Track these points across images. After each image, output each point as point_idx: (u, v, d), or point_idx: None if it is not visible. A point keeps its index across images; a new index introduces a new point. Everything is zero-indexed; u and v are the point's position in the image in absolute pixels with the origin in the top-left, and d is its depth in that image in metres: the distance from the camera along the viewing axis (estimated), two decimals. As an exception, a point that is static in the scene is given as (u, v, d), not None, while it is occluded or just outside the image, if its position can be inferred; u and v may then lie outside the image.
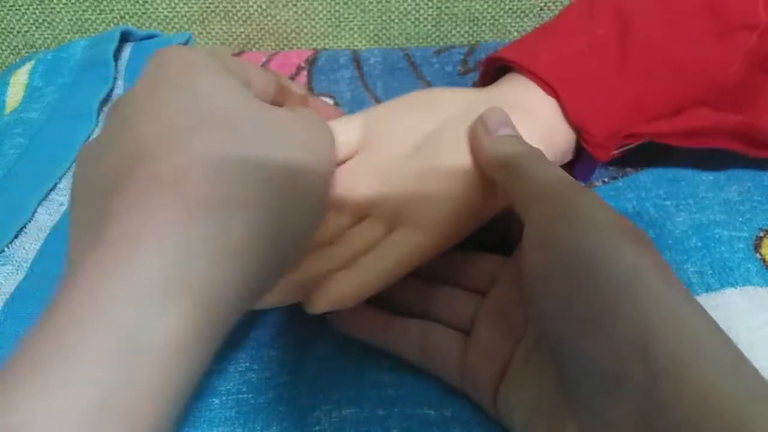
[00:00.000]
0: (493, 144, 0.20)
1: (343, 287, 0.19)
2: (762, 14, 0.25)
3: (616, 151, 0.25)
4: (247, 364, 0.21)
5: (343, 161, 0.25)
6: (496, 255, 0.22)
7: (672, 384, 0.12)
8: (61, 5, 0.38)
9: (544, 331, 0.16)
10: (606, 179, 0.28)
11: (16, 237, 0.25)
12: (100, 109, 0.31)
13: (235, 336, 0.20)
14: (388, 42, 0.41)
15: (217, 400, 0.20)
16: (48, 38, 0.39)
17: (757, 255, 0.24)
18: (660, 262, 0.15)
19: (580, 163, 0.26)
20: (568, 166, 0.27)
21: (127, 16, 0.39)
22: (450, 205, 0.20)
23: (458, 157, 0.21)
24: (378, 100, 0.33)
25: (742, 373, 0.13)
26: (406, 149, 0.23)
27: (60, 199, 0.27)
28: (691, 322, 0.13)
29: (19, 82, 0.33)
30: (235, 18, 0.40)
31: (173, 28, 0.40)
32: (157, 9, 0.39)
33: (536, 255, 0.16)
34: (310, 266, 0.19)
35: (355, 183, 0.22)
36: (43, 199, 0.26)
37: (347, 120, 0.25)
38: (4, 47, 0.40)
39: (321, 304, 0.19)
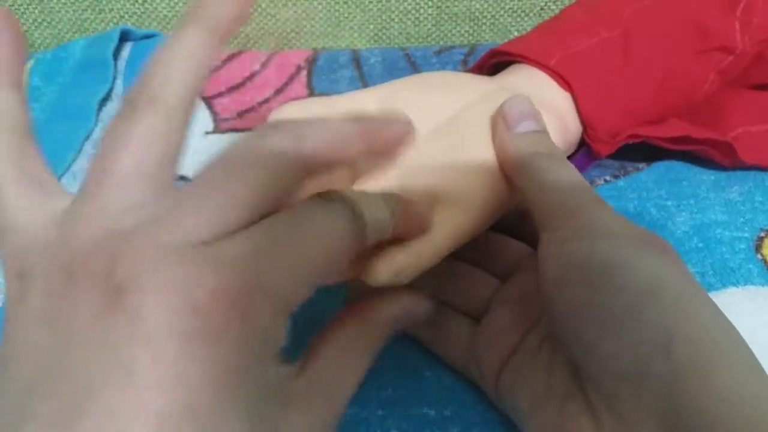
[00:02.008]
0: (513, 141, 0.19)
1: (401, 260, 0.17)
2: (739, 41, 0.26)
3: (616, 147, 0.26)
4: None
5: None
6: (521, 242, 0.22)
7: (695, 383, 0.12)
8: (61, 5, 0.38)
9: (560, 333, 0.16)
10: (608, 178, 0.28)
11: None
12: (99, 109, 0.31)
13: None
14: (388, 42, 0.41)
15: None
16: (47, 38, 0.39)
17: (758, 256, 0.24)
18: (684, 271, 0.15)
19: (578, 155, 0.27)
20: (568, 158, 0.27)
21: (126, 16, 0.39)
22: (485, 184, 0.20)
23: (484, 139, 0.21)
24: (378, 100, 0.33)
25: (762, 375, 0.13)
26: (425, 130, 0.22)
27: (59, 198, 0.27)
28: (713, 326, 0.14)
29: (18, 81, 0.33)
30: (235, 17, 0.40)
31: (172, 27, 0.40)
32: (156, 8, 0.39)
33: (553, 265, 0.16)
34: None
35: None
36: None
37: (361, 94, 0.24)
38: (3, 47, 0.40)
39: (383, 275, 0.17)
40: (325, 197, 0.15)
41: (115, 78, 0.32)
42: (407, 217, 0.17)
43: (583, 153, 0.26)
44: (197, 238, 0.12)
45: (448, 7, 0.40)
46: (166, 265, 0.12)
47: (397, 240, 0.17)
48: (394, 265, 0.17)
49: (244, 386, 0.12)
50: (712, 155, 0.27)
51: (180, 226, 0.12)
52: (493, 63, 0.28)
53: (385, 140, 0.16)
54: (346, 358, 0.16)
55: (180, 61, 0.14)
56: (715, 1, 0.27)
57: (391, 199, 0.17)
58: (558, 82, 0.25)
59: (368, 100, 0.24)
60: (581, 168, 0.27)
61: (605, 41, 0.26)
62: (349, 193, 0.16)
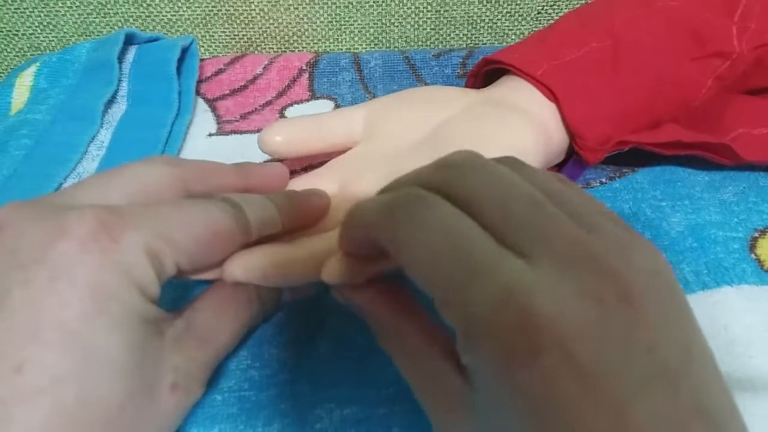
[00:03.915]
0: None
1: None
2: (736, 45, 0.26)
3: (605, 155, 0.26)
4: (249, 362, 0.21)
5: (346, 150, 0.25)
6: None
7: None
8: (66, 8, 0.39)
9: None
10: (603, 180, 0.28)
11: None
12: (104, 111, 0.31)
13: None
14: (387, 45, 0.42)
15: (219, 397, 0.20)
16: (53, 41, 0.40)
17: (752, 255, 0.24)
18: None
19: (569, 164, 0.27)
20: (558, 167, 0.27)
21: (131, 19, 0.39)
22: None
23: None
24: (378, 102, 0.33)
25: None
26: (410, 142, 0.23)
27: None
28: None
29: (24, 83, 0.33)
30: (238, 21, 0.40)
31: (176, 31, 0.40)
32: (160, 12, 0.39)
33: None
34: (324, 248, 0.19)
35: (362, 171, 0.22)
36: (48, 199, 0.27)
37: (350, 110, 0.26)
38: (9, 50, 0.40)
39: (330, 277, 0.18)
40: (212, 197, 0.19)
41: (120, 80, 0.33)
42: (299, 211, 0.21)
43: (574, 162, 0.27)
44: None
45: (446, 11, 0.40)
46: (60, 214, 0.16)
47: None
48: (344, 263, 0.18)
49: (113, 305, 0.15)
50: (711, 157, 0.27)
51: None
52: (489, 70, 0.28)
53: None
54: (217, 314, 0.19)
55: None
56: (711, 6, 0.27)
57: (277, 197, 0.20)
58: (544, 93, 0.25)
59: (355, 117, 0.25)
60: (573, 177, 0.27)
61: (594, 51, 0.26)
62: (233, 195, 0.19)
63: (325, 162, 0.25)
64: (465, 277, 0.13)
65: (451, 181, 0.15)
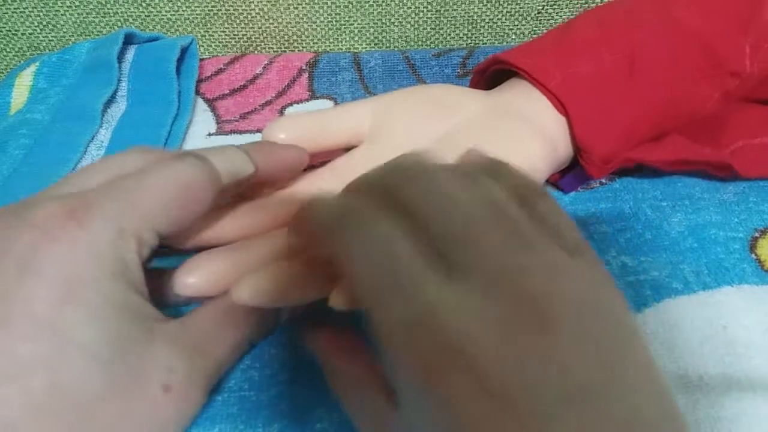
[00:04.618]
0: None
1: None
2: (747, 65, 0.26)
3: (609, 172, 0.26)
4: (249, 362, 0.21)
5: (352, 146, 0.25)
6: None
7: None
8: (66, 8, 0.38)
9: None
10: (603, 180, 0.28)
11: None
12: (103, 111, 0.31)
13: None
14: (387, 45, 0.42)
15: (219, 397, 0.20)
16: (52, 40, 0.40)
17: (753, 255, 0.24)
18: None
19: (569, 176, 0.27)
20: (560, 173, 0.27)
21: (130, 19, 0.39)
22: None
23: None
24: (378, 102, 0.33)
25: None
26: (420, 146, 0.23)
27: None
28: None
29: (23, 83, 0.33)
30: (238, 21, 0.40)
31: (176, 30, 0.40)
32: (160, 12, 0.39)
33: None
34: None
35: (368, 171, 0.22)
36: (48, 199, 0.27)
37: (356, 106, 0.25)
38: (8, 49, 0.40)
39: (339, 301, 0.18)
40: (178, 155, 0.19)
41: (119, 80, 0.33)
42: (273, 156, 0.21)
43: (576, 173, 0.27)
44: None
45: (446, 10, 0.40)
46: (25, 208, 0.16)
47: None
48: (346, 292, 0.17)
49: (86, 292, 0.15)
50: (711, 172, 0.27)
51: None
52: (497, 69, 0.28)
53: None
54: (216, 324, 0.19)
55: None
56: (726, 24, 0.26)
57: (247, 144, 0.20)
58: (555, 105, 0.25)
59: (362, 114, 0.25)
60: (572, 187, 0.27)
61: (609, 64, 0.25)
62: (200, 150, 0.19)
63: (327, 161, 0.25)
64: (389, 295, 0.14)
65: (396, 187, 0.16)
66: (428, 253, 0.14)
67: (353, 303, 0.17)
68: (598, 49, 0.26)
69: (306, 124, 0.24)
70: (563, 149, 0.25)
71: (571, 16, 0.35)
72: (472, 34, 0.42)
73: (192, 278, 0.19)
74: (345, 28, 0.41)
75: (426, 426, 0.13)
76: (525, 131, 0.24)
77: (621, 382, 0.13)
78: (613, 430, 0.12)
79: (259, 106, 0.33)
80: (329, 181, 0.24)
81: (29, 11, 0.38)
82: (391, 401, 0.15)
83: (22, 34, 0.39)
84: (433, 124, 0.24)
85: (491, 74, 0.29)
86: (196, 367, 0.18)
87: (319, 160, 0.25)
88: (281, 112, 0.33)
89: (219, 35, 0.41)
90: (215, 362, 0.19)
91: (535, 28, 0.42)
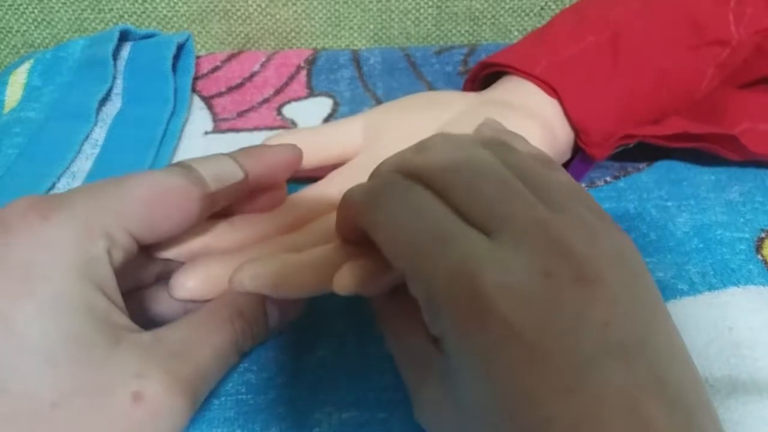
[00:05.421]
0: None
1: (361, 268, 0.18)
2: (734, 32, 0.26)
3: (612, 151, 0.26)
4: (246, 365, 0.21)
5: (346, 161, 0.25)
6: None
7: None
8: (60, 4, 0.38)
9: None
10: (608, 179, 0.28)
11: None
12: (98, 109, 0.31)
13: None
14: (388, 41, 0.41)
15: (216, 401, 0.20)
16: (47, 37, 0.39)
17: (759, 256, 0.24)
18: None
19: (575, 161, 0.27)
20: (564, 166, 0.27)
21: (126, 15, 0.39)
22: None
23: None
24: (378, 100, 0.33)
25: None
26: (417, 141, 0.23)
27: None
28: None
29: (17, 81, 0.33)
30: (235, 17, 0.40)
31: (172, 27, 0.40)
32: (156, 8, 0.39)
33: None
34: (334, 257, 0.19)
35: (360, 182, 0.22)
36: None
37: (349, 121, 0.26)
38: (2, 46, 0.40)
39: (347, 282, 0.18)
40: (166, 168, 0.18)
41: (114, 78, 0.32)
42: (263, 160, 0.20)
43: (580, 159, 0.26)
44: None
45: (448, 6, 0.40)
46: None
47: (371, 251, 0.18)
48: (356, 273, 0.17)
49: (42, 286, 0.14)
50: (717, 151, 0.27)
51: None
52: (487, 74, 0.28)
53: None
54: (191, 329, 0.18)
55: None
56: None
57: (241, 154, 0.20)
58: (545, 90, 0.25)
59: (354, 127, 0.25)
60: (579, 174, 0.27)
61: (593, 45, 0.26)
62: (187, 160, 0.19)
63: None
64: (427, 249, 0.14)
65: (426, 162, 0.16)
66: (461, 214, 0.15)
67: (360, 285, 0.17)
68: (581, 33, 0.26)
69: (300, 141, 0.24)
70: (562, 134, 0.25)
71: (574, 13, 0.35)
72: (474, 30, 0.41)
73: (191, 281, 0.19)
74: (344, 24, 0.40)
75: (469, 372, 0.13)
76: (521, 118, 0.24)
77: (656, 343, 0.13)
78: (651, 391, 0.12)
79: (257, 103, 0.33)
80: (328, 192, 0.23)
81: (23, 8, 0.38)
82: (438, 349, 0.15)
83: (17, 31, 0.39)
84: (424, 124, 0.24)
85: (482, 81, 0.29)
86: (175, 374, 0.16)
87: (314, 174, 0.25)
88: (279, 109, 0.33)
89: (216, 32, 0.40)
90: (197, 367, 0.17)
91: (537, 25, 0.41)
